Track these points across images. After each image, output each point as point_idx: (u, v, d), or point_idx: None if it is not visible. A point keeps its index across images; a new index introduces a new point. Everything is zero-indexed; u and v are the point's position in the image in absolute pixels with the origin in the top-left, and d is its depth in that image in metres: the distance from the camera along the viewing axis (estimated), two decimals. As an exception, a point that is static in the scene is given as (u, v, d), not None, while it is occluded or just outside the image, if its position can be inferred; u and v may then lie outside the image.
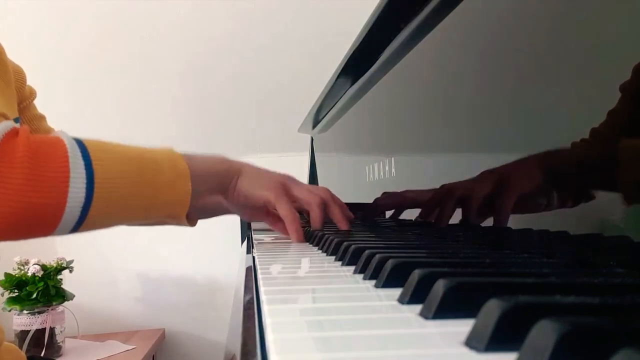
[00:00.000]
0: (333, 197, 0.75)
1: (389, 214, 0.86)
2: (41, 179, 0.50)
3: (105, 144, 0.58)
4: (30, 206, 0.49)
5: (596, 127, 0.38)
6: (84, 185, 0.52)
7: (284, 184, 0.70)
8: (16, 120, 0.75)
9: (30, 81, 0.88)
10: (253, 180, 0.68)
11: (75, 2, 1.91)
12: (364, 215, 0.92)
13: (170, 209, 0.60)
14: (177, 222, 0.64)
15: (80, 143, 0.55)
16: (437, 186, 0.67)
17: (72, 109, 1.95)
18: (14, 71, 0.80)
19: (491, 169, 0.52)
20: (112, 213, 0.56)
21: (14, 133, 0.50)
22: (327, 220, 0.74)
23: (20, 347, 1.47)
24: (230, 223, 1.18)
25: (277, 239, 0.82)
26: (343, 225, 0.73)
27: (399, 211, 0.79)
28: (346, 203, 0.79)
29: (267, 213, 0.76)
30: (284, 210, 0.68)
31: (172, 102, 1.99)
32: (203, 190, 0.64)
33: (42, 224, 0.51)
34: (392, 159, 0.83)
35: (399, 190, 0.81)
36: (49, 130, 0.90)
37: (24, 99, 0.85)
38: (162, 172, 0.59)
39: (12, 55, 0.78)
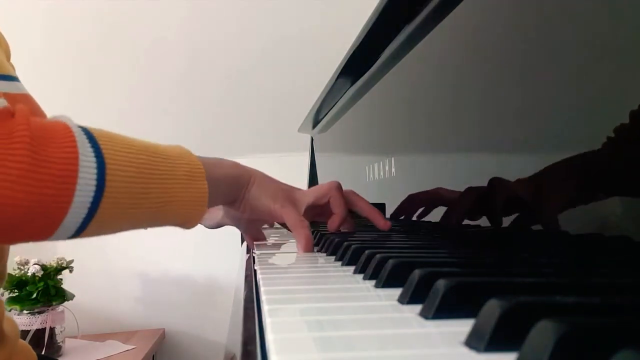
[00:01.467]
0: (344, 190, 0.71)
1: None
2: (45, 165, 0.42)
3: (111, 133, 0.50)
4: (34, 196, 0.41)
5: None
6: (95, 173, 0.44)
7: (291, 191, 0.67)
8: (12, 78, 0.69)
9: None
10: (261, 189, 0.64)
11: (75, 3, 1.91)
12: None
13: (186, 210, 0.53)
14: (189, 226, 0.56)
15: (85, 129, 0.47)
16: (437, 186, 0.67)
17: (72, 110, 1.95)
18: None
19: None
20: (123, 211, 0.48)
21: (8, 113, 0.43)
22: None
23: (20, 347, 1.47)
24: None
25: (277, 239, 0.82)
26: (381, 223, 0.69)
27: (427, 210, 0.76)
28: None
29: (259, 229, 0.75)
30: (291, 219, 0.63)
31: (172, 103, 1.99)
32: (215, 195, 0.57)
33: (45, 218, 0.42)
34: (392, 159, 0.83)
35: (399, 190, 0.81)
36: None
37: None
38: (176, 167, 0.52)
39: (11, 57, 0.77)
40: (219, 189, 0.59)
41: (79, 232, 0.45)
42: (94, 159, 0.44)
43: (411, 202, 0.76)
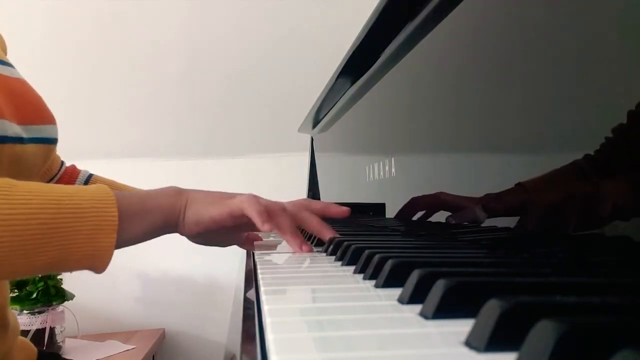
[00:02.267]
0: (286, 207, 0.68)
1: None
2: None
3: (25, 188, 0.55)
4: None
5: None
6: None
7: (227, 194, 0.66)
8: (7, 64, 0.73)
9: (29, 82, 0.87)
10: (198, 204, 0.64)
11: (74, 6, 1.91)
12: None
13: (88, 262, 0.56)
14: (96, 271, 0.59)
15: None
16: (437, 186, 0.67)
17: (71, 111, 1.95)
18: None
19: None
20: (13, 262, 0.52)
21: None
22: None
23: (20, 347, 1.47)
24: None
25: (277, 239, 0.82)
26: (325, 233, 0.68)
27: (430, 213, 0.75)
28: (346, 203, 0.78)
29: (236, 235, 0.74)
30: (242, 202, 0.63)
31: (172, 103, 1.99)
32: (141, 230, 0.61)
33: None
34: (392, 159, 0.83)
35: (399, 190, 0.81)
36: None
37: None
38: (82, 221, 0.55)
39: (10, 60, 0.77)
40: (147, 223, 0.61)
41: None
42: None
43: (413, 206, 0.76)
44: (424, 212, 0.73)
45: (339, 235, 0.66)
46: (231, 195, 0.66)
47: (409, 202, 0.77)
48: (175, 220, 0.64)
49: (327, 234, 0.68)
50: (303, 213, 0.69)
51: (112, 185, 0.94)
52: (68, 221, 0.55)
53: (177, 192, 0.65)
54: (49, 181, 0.91)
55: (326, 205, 0.73)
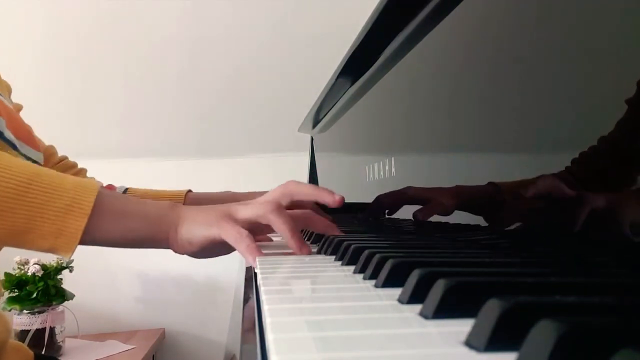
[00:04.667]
0: (291, 190, 0.66)
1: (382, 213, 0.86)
2: None
3: (19, 160, 0.56)
4: None
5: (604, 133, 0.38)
6: None
7: (225, 211, 0.62)
8: None
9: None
10: (191, 223, 0.62)
11: (71, 6, 1.91)
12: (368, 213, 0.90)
13: (51, 241, 0.56)
14: (58, 254, 0.59)
15: None
16: (439, 185, 0.67)
17: (70, 110, 1.95)
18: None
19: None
20: None
21: None
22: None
23: (20, 347, 1.47)
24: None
25: (277, 239, 0.82)
26: (330, 230, 0.66)
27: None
28: (346, 203, 0.78)
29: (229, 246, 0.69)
30: (230, 236, 0.60)
31: (172, 102, 1.99)
32: (119, 232, 0.60)
33: None
34: (392, 159, 0.83)
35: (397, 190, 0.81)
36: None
37: None
38: (54, 200, 0.55)
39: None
40: (126, 225, 0.60)
41: None
42: None
43: (379, 204, 0.76)
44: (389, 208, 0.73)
45: (343, 234, 0.66)
46: (228, 212, 0.62)
47: (374, 200, 0.78)
48: (164, 235, 0.62)
49: (335, 233, 0.66)
50: (309, 215, 0.67)
51: (144, 194, 0.95)
52: (42, 194, 0.55)
53: (170, 207, 0.64)
54: None
55: (317, 192, 0.67)
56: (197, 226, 0.62)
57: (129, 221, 0.61)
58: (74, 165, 1.01)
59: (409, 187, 0.70)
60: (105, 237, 0.59)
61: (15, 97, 0.93)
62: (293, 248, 0.61)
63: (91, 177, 0.98)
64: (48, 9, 1.89)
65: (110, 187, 0.97)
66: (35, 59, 1.89)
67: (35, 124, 0.90)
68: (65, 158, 1.01)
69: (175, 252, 0.65)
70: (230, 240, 0.59)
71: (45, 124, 1.06)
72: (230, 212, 0.62)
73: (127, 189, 0.98)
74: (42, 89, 1.87)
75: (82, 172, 1.01)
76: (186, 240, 0.62)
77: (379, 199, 0.83)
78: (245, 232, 0.59)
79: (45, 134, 0.96)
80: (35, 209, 0.55)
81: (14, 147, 0.71)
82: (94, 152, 1.86)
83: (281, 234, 0.61)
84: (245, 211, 0.62)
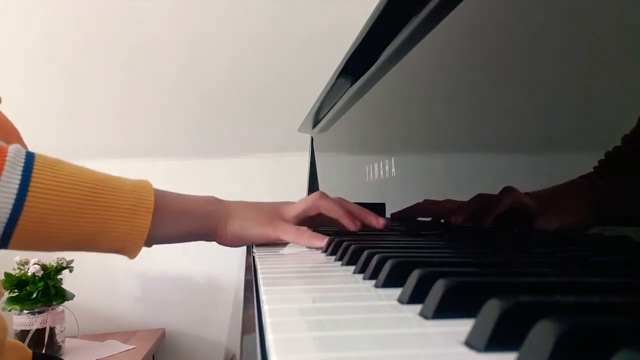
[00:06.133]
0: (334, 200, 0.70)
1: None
2: None
3: (63, 164, 0.56)
4: None
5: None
6: (15, 192, 0.51)
7: (276, 211, 0.67)
8: None
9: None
10: (244, 220, 0.66)
11: (68, 6, 1.90)
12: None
13: (121, 242, 0.58)
14: (128, 255, 0.62)
15: (30, 157, 0.53)
16: (437, 186, 0.67)
17: (67, 111, 1.95)
18: None
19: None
20: (48, 233, 0.53)
21: None
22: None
23: (20, 347, 1.47)
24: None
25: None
26: (374, 222, 0.69)
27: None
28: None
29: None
30: (289, 234, 0.65)
31: (171, 102, 1.99)
32: (176, 229, 0.63)
33: None
34: (392, 159, 0.83)
35: (399, 190, 0.81)
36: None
37: None
38: (120, 200, 0.57)
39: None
40: (183, 224, 0.63)
41: (2, 245, 0.53)
42: (17, 183, 0.51)
43: (419, 211, 0.74)
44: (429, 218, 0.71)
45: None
46: (277, 212, 0.67)
47: (415, 205, 0.73)
48: (212, 229, 0.65)
49: (372, 219, 0.69)
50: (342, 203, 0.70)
51: None
52: (108, 198, 0.57)
53: (217, 201, 0.67)
54: None
55: (364, 212, 0.70)
56: (251, 224, 0.65)
57: (185, 217, 0.63)
58: None
59: (448, 200, 0.66)
60: (164, 234, 0.62)
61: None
62: (349, 226, 0.66)
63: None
64: (45, 9, 1.89)
65: None
66: (32, 59, 1.89)
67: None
68: None
69: (221, 244, 0.68)
70: (290, 238, 0.65)
71: (42, 124, 1.06)
72: (280, 212, 0.67)
73: None
74: (38, 89, 1.87)
75: None
76: (237, 236, 0.66)
77: (421, 207, 0.75)
78: (302, 228, 0.65)
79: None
80: (104, 211, 0.56)
81: None
82: (92, 152, 1.86)
83: (333, 215, 0.67)
84: (294, 209, 0.68)
